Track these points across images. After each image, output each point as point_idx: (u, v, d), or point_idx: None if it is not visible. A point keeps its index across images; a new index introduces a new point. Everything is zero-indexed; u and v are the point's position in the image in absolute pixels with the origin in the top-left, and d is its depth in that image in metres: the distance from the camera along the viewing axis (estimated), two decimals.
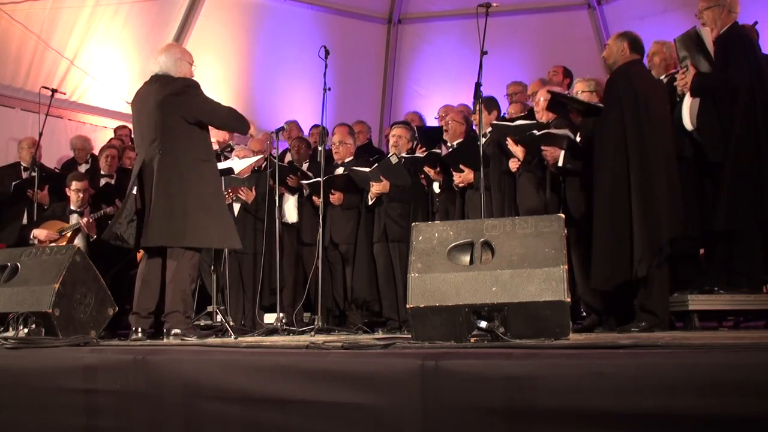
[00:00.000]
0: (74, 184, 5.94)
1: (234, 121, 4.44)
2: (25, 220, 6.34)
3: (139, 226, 4.15)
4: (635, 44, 4.15)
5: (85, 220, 5.77)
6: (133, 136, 4.55)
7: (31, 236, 5.73)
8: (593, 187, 4.03)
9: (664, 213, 3.85)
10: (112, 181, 6.54)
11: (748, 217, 3.95)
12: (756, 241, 4.01)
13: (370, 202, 5.77)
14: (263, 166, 5.99)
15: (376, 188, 5.66)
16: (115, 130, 7.66)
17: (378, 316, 5.90)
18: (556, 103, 4.32)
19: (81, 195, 5.92)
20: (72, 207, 5.95)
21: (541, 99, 4.85)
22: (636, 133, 3.90)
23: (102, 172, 6.61)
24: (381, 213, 5.73)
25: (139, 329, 4.09)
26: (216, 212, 4.24)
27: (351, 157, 6.06)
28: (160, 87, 4.21)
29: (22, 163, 6.64)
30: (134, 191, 4.13)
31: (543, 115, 4.82)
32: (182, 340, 4.01)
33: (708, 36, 4.12)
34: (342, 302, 5.99)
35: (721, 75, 4.05)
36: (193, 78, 4.34)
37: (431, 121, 7.46)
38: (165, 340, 4.06)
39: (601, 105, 4.05)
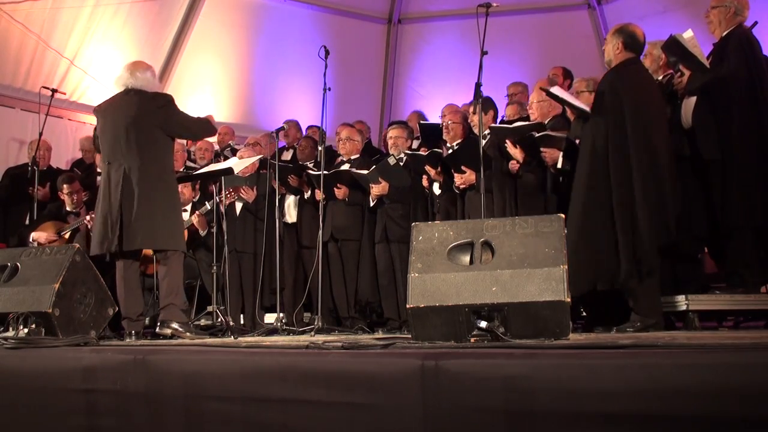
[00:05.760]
0: (65, 188, 5.94)
1: (204, 132, 4.89)
2: (27, 221, 6.34)
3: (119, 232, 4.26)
4: (630, 41, 4.01)
5: (89, 217, 5.73)
6: (100, 144, 4.55)
7: (30, 239, 5.70)
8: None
9: (647, 221, 3.70)
10: None
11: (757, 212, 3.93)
12: (749, 238, 3.99)
13: (371, 204, 5.81)
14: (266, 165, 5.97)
15: (376, 190, 5.70)
16: None
17: (379, 316, 5.89)
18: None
19: (75, 197, 5.93)
20: (68, 209, 5.95)
21: (535, 101, 4.85)
22: (618, 141, 3.79)
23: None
24: (382, 214, 5.76)
25: (133, 332, 4.25)
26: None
27: (357, 155, 6.11)
28: (140, 101, 4.40)
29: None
30: (119, 199, 4.24)
31: (537, 117, 4.83)
32: (178, 335, 4.10)
33: (687, 40, 4.06)
34: (340, 299, 5.98)
35: (715, 70, 4.04)
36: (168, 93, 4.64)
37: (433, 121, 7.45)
38: (161, 331, 4.25)
39: (588, 111, 3.99)
